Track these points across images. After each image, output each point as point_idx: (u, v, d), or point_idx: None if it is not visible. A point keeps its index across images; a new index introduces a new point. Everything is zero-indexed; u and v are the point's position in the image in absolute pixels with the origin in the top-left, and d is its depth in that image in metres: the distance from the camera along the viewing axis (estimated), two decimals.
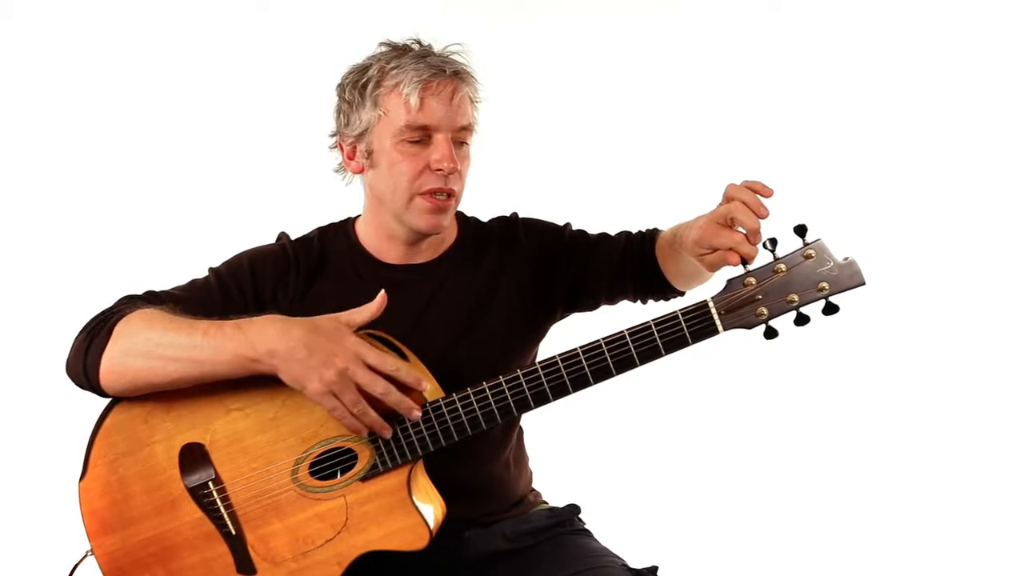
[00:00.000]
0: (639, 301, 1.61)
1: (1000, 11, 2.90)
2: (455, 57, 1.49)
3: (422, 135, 1.44)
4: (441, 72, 1.44)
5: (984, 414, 2.89)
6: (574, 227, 1.64)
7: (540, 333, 1.62)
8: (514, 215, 1.65)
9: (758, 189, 1.24)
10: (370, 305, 1.32)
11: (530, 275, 1.57)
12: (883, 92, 2.94)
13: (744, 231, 1.23)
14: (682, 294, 1.58)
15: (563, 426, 2.02)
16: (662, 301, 1.59)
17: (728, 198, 1.26)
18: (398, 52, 1.47)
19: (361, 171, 1.53)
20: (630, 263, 1.55)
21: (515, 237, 1.60)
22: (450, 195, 1.47)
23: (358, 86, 1.48)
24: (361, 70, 1.49)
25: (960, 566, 2.63)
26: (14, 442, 2.74)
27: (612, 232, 1.61)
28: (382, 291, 1.33)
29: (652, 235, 1.57)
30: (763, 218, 1.22)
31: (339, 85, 1.53)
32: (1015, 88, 2.90)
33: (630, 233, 1.60)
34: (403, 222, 1.50)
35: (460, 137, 1.47)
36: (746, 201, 1.22)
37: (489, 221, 1.66)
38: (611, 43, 3.00)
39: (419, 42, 1.50)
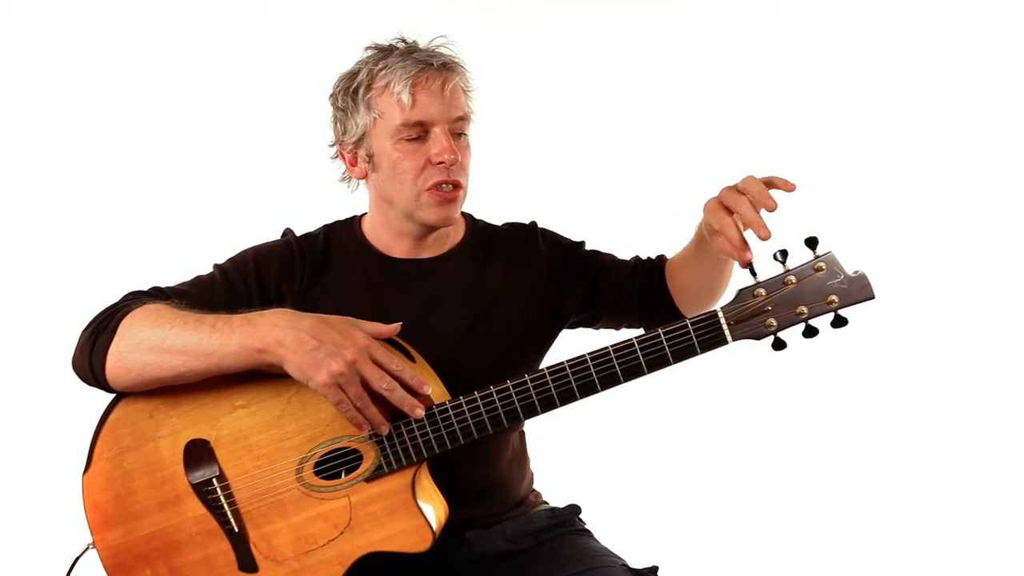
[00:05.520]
0: (643, 326, 1.61)
1: (1000, 14, 2.88)
2: (442, 49, 1.49)
3: (419, 131, 1.44)
4: (429, 66, 1.43)
5: (988, 426, 2.90)
6: (587, 246, 1.65)
7: (544, 345, 1.62)
8: (533, 224, 1.65)
9: (779, 185, 1.24)
10: (382, 325, 1.32)
11: (546, 284, 1.58)
12: (885, 98, 2.94)
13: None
14: None
15: (564, 427, 2.02)
16: None
17: (740, 190, 1.25)
18: (384, 53, 1.47)
19: (365, 176, 1.53)
20: (639, 282, 1.57)
21: (534, 245, 1.60)
22: (456, 186, 1.47)
23: (349, 92, 1.48)
24: (350, 76, 1.49)
25: (960, 569, 2.65)
26: (19, 435, 2.74)
27: (623, 255, 1.64)
28: (399, 323, 1.34)
29: (661, 259, 1.60)
30: (770, 210, 1.21)
31: (331, 95, 1.53)
32: (1017, 92, 2.89)
33: (639, 257, 1.62)
34: (414, 219, 1.50)
35: (457, 128, 1.47)
36: (754, 195, 1.22)
37: (502, 225, 1.66)
38: (612, 45, 3.00)
39: (403, 40, 1.49)
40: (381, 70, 1.45)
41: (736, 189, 1.25)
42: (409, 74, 1.42)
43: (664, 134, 2.96)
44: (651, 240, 1.68)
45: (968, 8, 2.91)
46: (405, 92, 1.41)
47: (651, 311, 1.57)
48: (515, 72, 2.88)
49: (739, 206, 1.23)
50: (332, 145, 1.56)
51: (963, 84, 2.92)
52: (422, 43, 1.49)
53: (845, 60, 2.96)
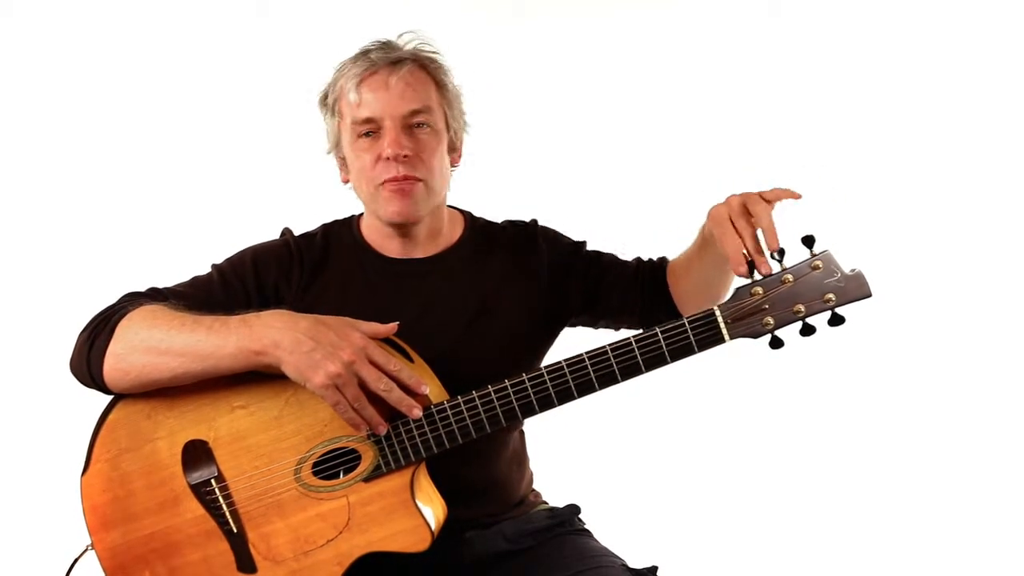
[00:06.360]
0: (643, 327, 1.60)
1: (1000, 14, 2.88)
2: (412, 44, 1.49)
3: (371, 127, 1.46)
4: (375, 64, 1.45)
5: (987, 425, 2.89)
6: (589, 247, 1.65)
7: (544, 345, 1.61)
8: (534, 222, 1.65)
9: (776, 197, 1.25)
10: (378, 324, 1.32)
11: (546, 284, 1.57)
12: (885, 98, 2.92)
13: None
14: None
15: (564, 427, 2.02)
16: None
17: (751, 213, 1.26)
18: (355, 57, 1.49)
19: (347, 180, 1.55)
20: (641, 285, 1.57)
21: (534, 244, 1.60)
22: (414, 180, 1.45)
23: (324, 101, 1.52)
24: (326, 84, 1.53)
25: (960, 569, 2.65)
26: (19, 436, 2.74)
27: (623, 254, 1.64)
28: (396, 323, 1.34)
29: (663, 260, 1.60)
30: (772, 250, 1.23)
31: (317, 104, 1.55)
32: (1017, 92, 2.89)
33: (641, 258, 1.62)
34: (379, 218, 1.51)
35: (412, 121, 1.46)
36: (764, 228, 1.23)
37: (502, 223, 1.65)
38: (612, 45, 2.99)
39: (380, 41, 1.50)
40: (341, 75, 1.48)
41: (747, 211, 1.25)
42: (358, 72, 1.44)
43: (664, 134, 2.96)
44: (652, 239, 1.68)
45: (968, 8, 2.90)
46: (353, 91, 1.44)
47: (652, 314, 1.57)
48: (515, 72, 2.88)
49: (748, 240, 1.24)
50: (328, 152, 1.58)
51: (963, 84, 2.91)
52: (395, 39, 1.50)
53: (845, 60, 2.95)
